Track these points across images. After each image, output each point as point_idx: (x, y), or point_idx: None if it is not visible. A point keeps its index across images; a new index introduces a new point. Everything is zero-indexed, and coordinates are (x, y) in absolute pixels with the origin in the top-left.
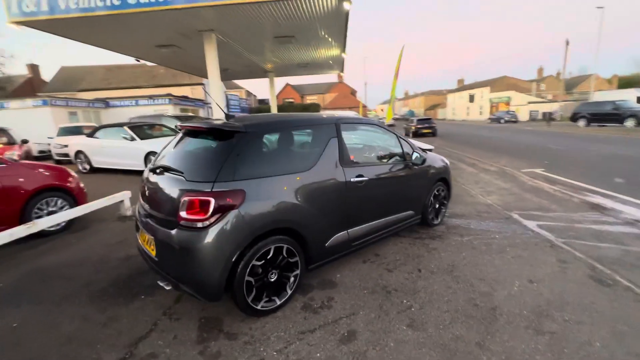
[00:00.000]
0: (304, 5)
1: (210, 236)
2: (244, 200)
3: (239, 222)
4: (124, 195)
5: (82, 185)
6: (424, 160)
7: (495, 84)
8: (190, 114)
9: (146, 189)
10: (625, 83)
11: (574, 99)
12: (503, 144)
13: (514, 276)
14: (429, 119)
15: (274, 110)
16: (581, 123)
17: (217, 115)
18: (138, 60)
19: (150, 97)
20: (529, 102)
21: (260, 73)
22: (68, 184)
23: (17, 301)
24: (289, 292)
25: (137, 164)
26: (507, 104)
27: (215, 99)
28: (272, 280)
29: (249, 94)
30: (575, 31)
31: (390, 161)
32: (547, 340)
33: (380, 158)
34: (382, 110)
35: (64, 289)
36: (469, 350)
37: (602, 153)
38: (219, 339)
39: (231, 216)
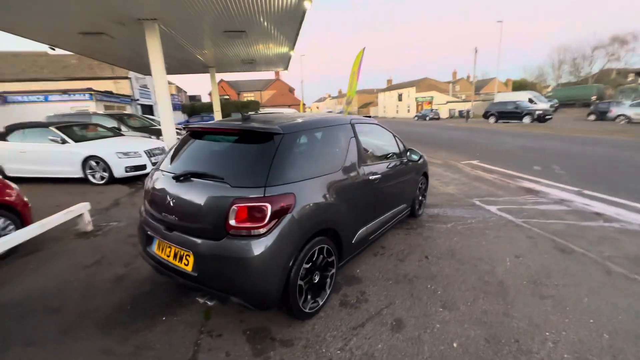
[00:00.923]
0: (264, 0)
1: (268, 243)
2: (295, 204)
3: (293, 226)
4: (83, 208)
5: (25, 199)
6: (420, 157)
7: (419, 84)
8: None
9: (168, 198)
10: (518, 86)
11: (482, 99)
12: (436, 139)
13: (502, 254)
14: (369, 117)
15: (217, 107)
16: (491, 120)
17: (164, 114)
18: (53, 49)
19: (65, 91)
20: (448, 102)
21: (200, 68)
22: (9, 198)
23: (3, 346)
24: (328, 291)
25: (73, 171)
26: (430, 102)
27: (161, 96)
28: (315, 281)
29: (179, 89)
30: (483, 40)
31: (393, 158)
32: (552, 303)
33: (385, 156)
34: (317, 107)
35: (57, 323)
36: (500, 321)
37: (516, 145)
38: (276, 348)
39: (286, 221)
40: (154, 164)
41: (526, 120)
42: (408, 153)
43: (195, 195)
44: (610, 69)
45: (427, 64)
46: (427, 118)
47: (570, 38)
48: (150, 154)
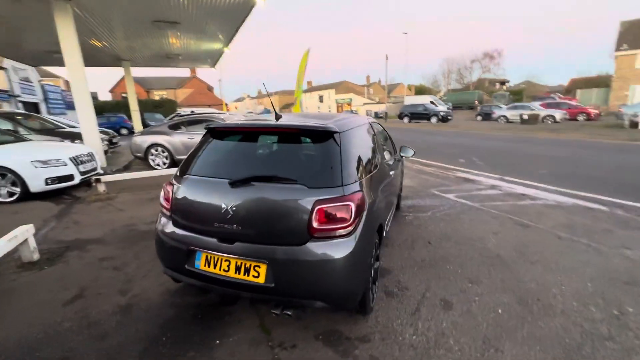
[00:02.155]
0: None
1: (353, 242)
2: (366, 201)
3: (370, 223)
4: (27, 233)
5: None
6: (412, 154)
7: (339, 87)
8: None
9: (225, 206)
10: (419, 91)
11: (393, 102)
12: None
13: (484, 232)
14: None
15: (134, 106)
16: (406, 120)
17: (84, 113)
18: None
19: None
20: (365, 104)
21: (111, 61)
22: None
23: None
24: (376, 284)
25: None
26: (350, 104)
27: (80, 92)
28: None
29: (67, 84)
30: (392, 48)
31: (394, 154)
32: (541, 266)
33: (389, 152)
34: (236, 108)
35: None
36: (517, 286)
37: (436, 142)
38: (357, 346)
39: (364, 218)
40: (83, 173)
41: (433, 120)
42: (400, 149)
43: (266, 200)
44: (484, 79)
45: (345, 68)
46: None
47: (456, 51)
48: (77, 161)
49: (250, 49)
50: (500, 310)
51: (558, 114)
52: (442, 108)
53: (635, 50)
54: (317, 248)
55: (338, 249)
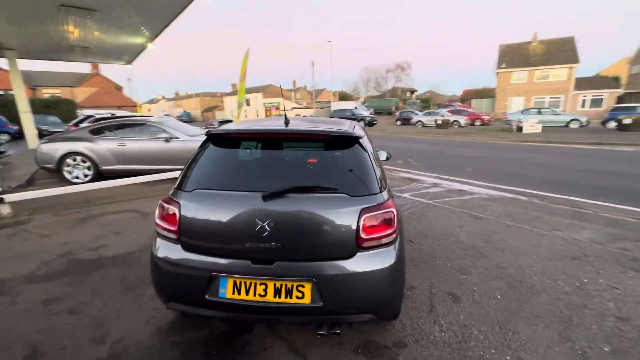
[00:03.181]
0: None
1: (398, 249)
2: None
3: (402, 228)
4: None
5: None
6: (386, 158)
7: (266, 90)
8: None
9: (260, 222)
10: (342, 97)
11: (320, 107)
12: None
13: (451, 226)
14: (231, 120)
15: (25, 107)
16: None
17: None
18: None
19: None
20: (293, 107)
21: None
22: None
23: None
24: None
25: None
26: (278, 108)
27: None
28: None
29: None
30: (318, 54)
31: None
32: (510, 253)
33: None
34: (149, 110)
35: None
36: (501, 272)
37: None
38: (400, 353)
39: (400, 224)
40: None
41: (361, 124)
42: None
43: (308, 212)
44: (397, 87)
45: (270, 72)
46: None
47: (373, 61)
48: None
49: (166, 46)
50: (499, 296)
51: (462, 120)
52: (366, 113)
53: (512, 69)
54: (366, 259)
55: (385, 258)
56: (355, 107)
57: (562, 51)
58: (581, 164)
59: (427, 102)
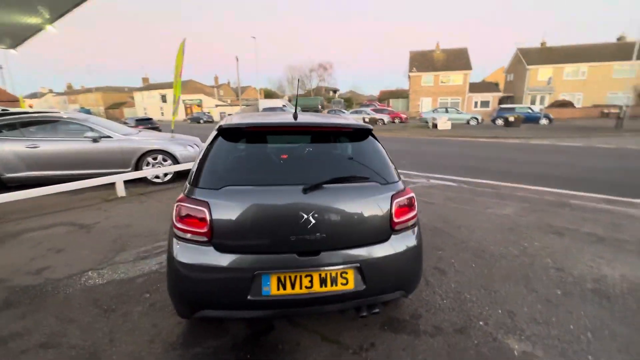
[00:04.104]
0: None
1: (418, 229)
2: None
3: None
4: None
5: None
6: None
7: (186, 86)
8: None
9: (304, 215)
10: (267, 94)
11: (246, 104)
12: None
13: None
14: (150, 118)
15: None
16: None
17: None
18: None
19: None
20: (217, 105)
21: None
22: None
23: None
24: None
25: None
26: (199, 105)
27: None
28: None
29: None
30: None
31: None
32: (466, 230)
33: None
34: (30, 106)
35: None
36: (466, 245)
37: None
38: (419, 323)
39: None
40: None
41: None
42: None
43: (348, 201)
44: (321, 86)
45: (189, 67)
46: (201, 121)
47: (297, 60)
48: None
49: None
50: (473, 265)
51: (385, 118)
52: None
53: (421, 73)
54: (399, 241)
55: (412, 238)
56: (284, 105)
57: (458, 59)
58: (487, 153)
59: (349, 101)
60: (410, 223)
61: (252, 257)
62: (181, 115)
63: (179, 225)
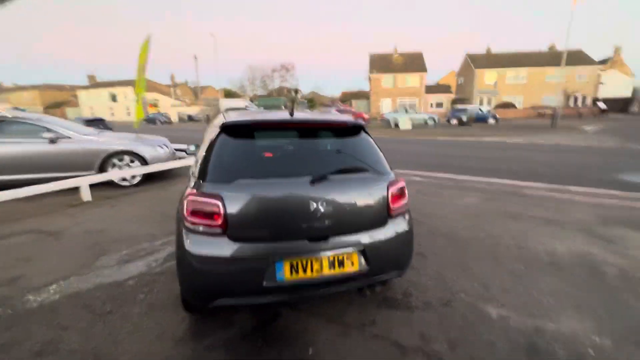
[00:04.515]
0: None
1: (409, 214)
2: None
3: None
4: None
5: None
6: None
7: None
8: None
9: (313, 204)
10: (228, 94)
11: (207, 104)
12: None
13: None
14: (102, 119)
15: None
16: None
17: None
18: None
19: None
20: (173, 105)
21: None
22: None
23: None
24: None
25: None
26: (155, 105)
27: None
28: None
29: None
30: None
31: None
32: (435, 218)
33: None
34: None
35: None
36: (438, 230)
37: None
38: (410, 300)
39: None
40: None
41: None
42: None
43: (351, 190)
44: (283, 87)
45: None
46: (158, 122)
47: (258, 60)
48: None
49: None
50: (448, 248)
51: None
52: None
53: (381, 74)
54: (395, 225)
55: (406, 222)
56: (246, 106)
57: (415, 62)
58: (447, 151)
59: (312, 102)
60: (403, 209)
61: (266, 245)
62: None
63: (191, 219)
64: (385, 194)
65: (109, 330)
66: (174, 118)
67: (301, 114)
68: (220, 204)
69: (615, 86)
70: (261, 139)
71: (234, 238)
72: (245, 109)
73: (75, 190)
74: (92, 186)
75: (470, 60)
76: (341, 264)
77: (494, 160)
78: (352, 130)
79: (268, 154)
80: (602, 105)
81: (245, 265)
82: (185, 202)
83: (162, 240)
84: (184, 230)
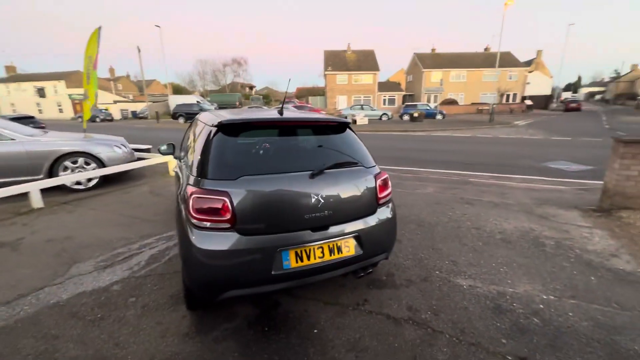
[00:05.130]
0: None
1: (392, 203)
2: None
3: None
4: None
5: None
6: None
7: (71, 78)
8: None
9: (314, 196)
10: (176, 90)
11: (153, 101)
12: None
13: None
14: (31, 116)
15: None
16: (181, 120)
17: None
18: None
19: None
20: (116, 101)
21: None
22: None
23: None
24: None
25: None
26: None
27: None
28: None
29: None
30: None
31: None
32: (405, 208)
33: None
34: None
35: None
36: (408, 219)
37: None
38: (394, 279)
39: None
40: None
41: None
42: None
43: (345, 183)
44: (237, 82)
45: (74, 55)
46: (97, 119)
47: (208, 54)
48: None
49: None
50: (418, 233)
51: None
52: (212, 108)
53: (336, 72)
54: (382, 213)
55: (390, 211)
56: (198, 102)
57: (367, 60)
58: (402, 145)
59: (267, 98)
60: (388, 198)
61: (273, 236)
62: (68, 112)
63: (199, 216)
64: (374, 184)
65: (107, 334)
66: (117, 115)
67: (292, 114)
68: (227, 200)
69: (539, 85)
70: (257, 137)
71: (243, 231)
72: (198, 105)
73: (22, 196)
74: (40, 192)
75: (418, 60)
76: (339, 250)
77: (445, 153)
78: (339, 127)
79: (266, 152)
80: (528, 102)
81: (255, 256)
82: (190, 200)
83: (139, 243)
84: (189, 228)
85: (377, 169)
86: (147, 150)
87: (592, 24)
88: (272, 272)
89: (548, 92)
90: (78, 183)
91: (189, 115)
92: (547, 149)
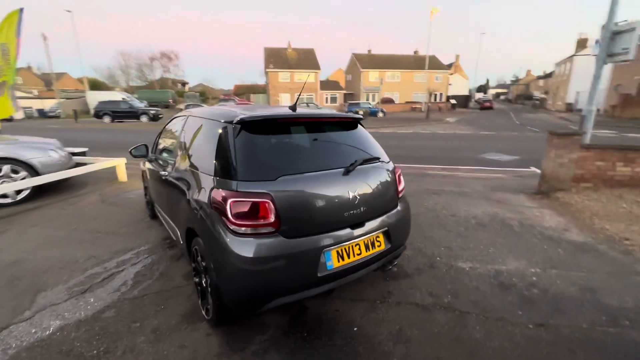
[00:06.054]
0: None
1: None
2: None
3: None
4: None
5: None
6: None
7: None
8: None
9: (350, 194)
10: (94, 85)
11: (67, 97)
12: (117, 143)
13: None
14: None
15: None
16: (107, 119)
17: None
18: None
19: None
20: (17, 97)
21: None
22: None
23: None
24: None
25: None
26: None
27: None
28: None
29: None
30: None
31: None
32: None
33: None
34: None
35: None
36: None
37: None
38: (406, 268)
39: None
40: None
41: (144, 119)
42: None
43: (374, 179)
44: (167, 78)
45: None
46: None
47: (130, 46)
48: None
49: None
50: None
51: None
52: (142, 105)
53: (278, 70)
54: (402, 206)
55: (407, 203)
56: (123, 99)
57: (308, 59)
58: None
59: (204, 95)
60: (404, 192)
61: (318, 237)
62: None
63: (238, 221)
64: (395, 179)
65: (128, 357)
66: (18, 114)
67: (309, 110)
68: (269, 202)
69: (459, 86)
70: (280, 134)
71: (288, 234)
72: (130, 102)
73: None
74: None
75: (356, 60)
76: (373, 245)
77: (396, 148)
78: (354, 123)
79: (297, 150)
80: (453, 101)
81: (301, 259)
82: (228, 205)
83: (115, 260)
84: (227, 234)
85: (392, 164)
86: (83, 154)
87: (499, 34)
88: (318, 274)
89: (466, 92)
90: (3, 196)
91: (116, 114)
92: (479, 142)
